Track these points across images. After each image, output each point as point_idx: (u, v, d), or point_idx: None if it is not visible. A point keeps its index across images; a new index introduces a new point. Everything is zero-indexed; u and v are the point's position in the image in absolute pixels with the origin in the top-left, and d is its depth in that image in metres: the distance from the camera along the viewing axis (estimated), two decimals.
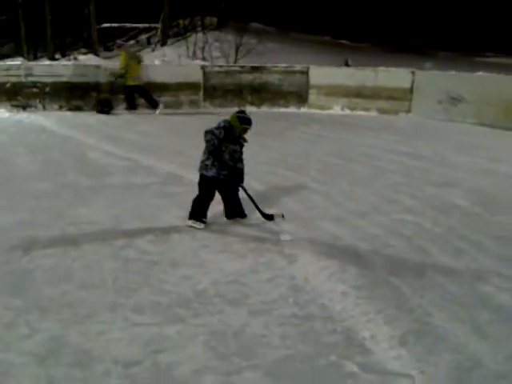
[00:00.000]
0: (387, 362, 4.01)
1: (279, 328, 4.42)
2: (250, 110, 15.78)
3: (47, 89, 15.11)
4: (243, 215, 6.77)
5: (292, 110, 16.38)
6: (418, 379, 3.80)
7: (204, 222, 6.53)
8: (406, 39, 31.42)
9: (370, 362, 4.01)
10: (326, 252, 5.88)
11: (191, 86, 16.08)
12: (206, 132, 6.36)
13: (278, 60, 19.36)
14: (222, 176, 6.43)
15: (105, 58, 24.33)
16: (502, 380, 3.85)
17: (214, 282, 5.18)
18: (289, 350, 4.14)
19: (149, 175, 8.77)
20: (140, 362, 3.95)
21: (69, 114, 14.91)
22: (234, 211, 6.74)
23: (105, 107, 15.00)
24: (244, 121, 6.55)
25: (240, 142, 6.54)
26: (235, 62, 22.73)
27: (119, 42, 17.19)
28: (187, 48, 24.77)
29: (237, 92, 16.35)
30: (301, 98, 16.49)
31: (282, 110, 16.29)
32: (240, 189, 6.64)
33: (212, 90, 16.21)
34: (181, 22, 28.81)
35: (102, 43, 27.47)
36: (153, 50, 26.13)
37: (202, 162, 6.49)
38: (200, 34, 25.92)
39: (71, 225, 6.58)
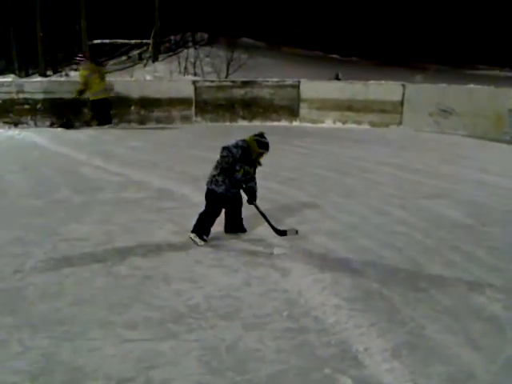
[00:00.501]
0: (381, 374, 4.01)
1: (273, 342, 4.41)
2: (241, 124, 16.01)
3: (39, 105, 15.11)
4: (243, 230, 6.82)
5: (284, 123, 16.43)
6: None
7: (204, 240, 6.46)
8: (396, 53, 31.66)
9: (364, 375, 4.01)
10: (318, 265, 5.88)
11: (183, 101, 16.12)
12: (224, 148, 6.33)
13: (269, 74, 19.46)
14: (229, 194, 6.42)
15: None
16: None
17: (206, 297, 5.17)
18: (283, 363, 4.13)
19: (141, 190, 8.77)
20: (133, 378, 3.93)
21: (60, 130, 14.90)
22: (235, 226, 6.79)
23: (67, 122, 15.02)
24: (262, 145, 6.48)
25: (255, 165, 6.50)
26: (226, 76, 22.82)
27: (78, 58, 17.08)
28: (179, 63, 24.86)
29: (228, 106, 16.40)
30: (292, 111, 16.54)
31: (274, 123, 16.34)
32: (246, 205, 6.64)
33: (204, 105, 16.26)
34: (172, 37, 28.90)
35: (94, 59, 27.46)
36: (144, 66, 26.21)
37: (213, 176, 6.44)
38: (191, 50, 26.05)
39: (63, 241, 6.56)
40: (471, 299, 5.22)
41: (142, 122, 15.80)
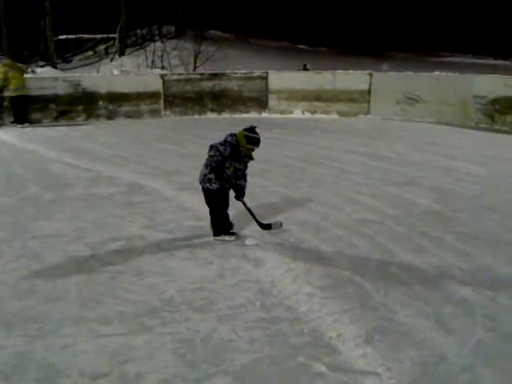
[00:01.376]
0: (354, 360, 4.06)
1: (247, 332, 4.44)
2: (210, 116, 15.98)
3: (5, 103, 14.90)
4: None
5: (253, 115, 16.44)
6: (385, 376, 3.86)
7: (234, 234, 6.41)
8: (363, 42, 31.82)
9: (338, 361, 4.06)
10: (291, 255, 5.92)
11: (151, 95, 16.03)
12: (211, 147, 6.17)
13: (237, 66, 19.47)
14: (225, 188, 6.29)
15: (63, 69, 24.12)
16: (466, 373, 3.92)
17: (180, 290, 5.17)
18: (257, 353, 4.16)
19: (111, 185, 8.72)
20: (107, 373, 3.93)
21: (28, 127, 14.73)
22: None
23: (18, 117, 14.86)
24: (251, 141, 6.19)
25: (245, 161, 6.30)
26: (194, 69, 22.74)
27: None
28: (146, 57, 24.70)
29: (197, 99, 16.36)
30: (261, 103, 16.56)
31: (243, 115, 16.34)
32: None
33: (172, 99, 16.19)
34: (138, 31, 28.67)
35: (60, 55, 27.19)
36: (111, 61, 25.99)
37: (205, 175, 6.26)
38: (158, 43, 25.87)
39: (34, 238, 6.51)
40: (441, 284, 5.30)
41: (110, 117, 15.68)
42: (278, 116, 16.19)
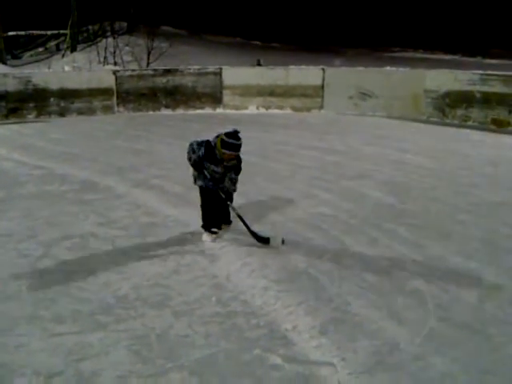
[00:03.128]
0: (309, 351, 4.12)
1: (203, 327, 4.46)
2: (165, 113, 15.88)
3: None
4: (228, 221, 6.53)
5: (207, 111, 16.39)
6: (339, 366, 3.93)
7: (213, 232, 6.27)
8: (316, 38, 32.04)
9: (293, 353, 4.11)
10: (246, 250, 5.95)
11: (104, 92, 15.82)
12: (189, 144, 6.02)
13: (190, 62, 19.41)
14: (210, 185, 6.06)
15: (13, 66, 23.66)
16: (418, 361, 4.01)
17: (135, 287, 5.15)
18: (213, 348, 4.18)
19: (63, 183, 8.60)
20: (62, 371, 3.90)
21: None
22: (227, 216, 6.49)
23: None
24: (225, 145, 5.80)
25: (225, 164, 5.94)
26: (147, 65, 22.55)
27: None
28: (98, 53, 24.40)
29: (151, 96, 16.21)
30: (215, 99, 16.51)
31: (198, 111, 16.27)
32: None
33: (125, 95, 16.01)
34: (90, 27, 28.29)
35: (9, 51, 26.65)
36: (63, 57, 25.59)
37: (192, 174, 6.22)
38: (110, 39, 25.56)
39: None
40: (394, 275, 5.40)
41: (62, 113, 15.41)
42: (233, 112, 16.17)
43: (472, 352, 4.14)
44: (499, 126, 12.98)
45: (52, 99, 15.33)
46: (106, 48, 24.41)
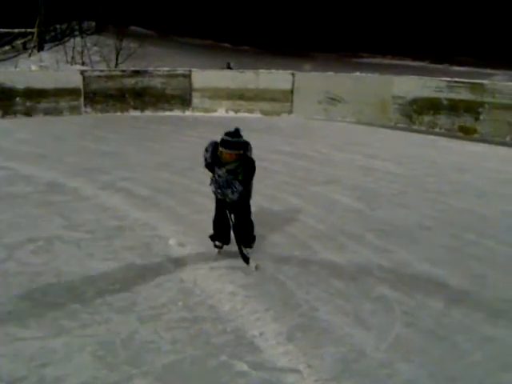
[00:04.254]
0: (276, 358, 4.09)
1: (168, 333, 4.41)
2: (133, 114, 15.75)
3: None
4: (248, 244, 5.90)
5: (176, 113, 16.30)
6: (306, 373, 3.91)
7: (215, 246, 5.95)
8: (286, 42, 32.16)
9: (260, 359, 4.08)
10: (214, 254, 5.91)
11: (71, 92, 15.62)
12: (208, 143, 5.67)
13: (160, 64, 19.28)
14: (219, 195, 5.66)
15: None
16: (385, 368, 4.01)
17: (100, 291, 5.07)
18: (178, 354, 4.13)
19: (28, 184, 8.44)
20: (25, 377, 3.83)
21: None
22: (241, 235, 5.81)
23: None
24: (221, 143, 5.46)
25: (226, 167, 5.51)
26: (116, 66, 22.36)
27: None
28: (65, 53, 24.11)
29: (119, 97, 16.07)
30: (185, 101, 16.43)
31: (167, 113, 16.18)
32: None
33: (93, 95, 15.83)
34: (58, 26, 27.96)
35: None
36: (29, 56, 25.22)
37: None
38: (78, 39, 25.32)
39: None
40: (361, 280, 5.41)
41: (28, 113, 15.18)
42: (202, 114, 16.11)
43: (438, 359, 4.15)
44: (466, 133, 13.15)
45: (18, 99, 15.08)
46: (73, 48, 24.15)
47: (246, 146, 5.63)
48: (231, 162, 5.49)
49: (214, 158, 5.56)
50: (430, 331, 4.52)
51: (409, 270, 5.70)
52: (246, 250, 5.78)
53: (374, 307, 4.88)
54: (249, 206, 5.87)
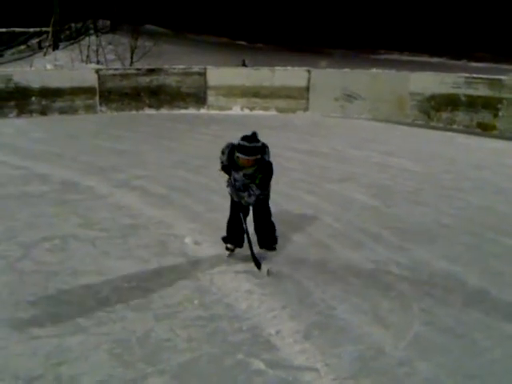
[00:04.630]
0: (293, 356, 4.06)
1: (184, 331, 4.38)
2: (148, 112, 15.75)
3: None
4: (271, 247, 5.88)
5: (191, 111, 16.29)
6: (323, 371, 3.87)
7: (227, 248, 5.81)
8: (301, 39, 32.07)
9: (277, 358, 4.05)
10: (229, 252, 5.87)
11: (86, 91, 15.65)
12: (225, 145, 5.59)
13: (175, 62, 19.24)
14: (236, 197, 5.57)
15: None
16: (403, 367, 3.97)
17: (116, 289, 5.07)
18: (195, 352, 4.10)
19: (44, 183, 8.46)
20: (41, 375, 3.82)
21: None
22: (263, 239, 5.82)
23: None
24: (238, 148, 5.33)
25: (244, 172, 5.42)
26: (131, 64, 22.40)
27: None
28: (80, 52, 24.17)
29: (134, 95, 16.08)
30: (200, 99, 16.41)
31: (182, 111, 16.17)
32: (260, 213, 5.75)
33: (108, 94, 15.85)
34: (73, 25, 28.06)
35: None
36: (44, 55, 25.33)
37: None
38: (93, 38, 25.37)
39: None
40: (379, 278, 5.36)
41: (43, 112, 15.23)
42: (217, 112, 16.09)
43: (457, 357, 4.10)
44: (484, 129, 13.03)
45: (33, 98, 15.14)
46: (88, 46, 24.20)
47: (264, 149, 5.52)
48: (249, 167, 5.38)
49: (230, 161, 5.46)
50: (449, 329, 4.47)
51: (427, 267, 5.64)
52: (266, 253, 5.77)
53: (392, 305, 4.83)
54: (268, 208, 5.78)
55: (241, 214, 5.61)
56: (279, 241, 6.00)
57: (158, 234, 6.45)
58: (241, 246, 5.80)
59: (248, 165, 5.36)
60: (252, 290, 5.06)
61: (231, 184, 5.53)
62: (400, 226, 6.79)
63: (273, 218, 5.83)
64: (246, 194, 5.45)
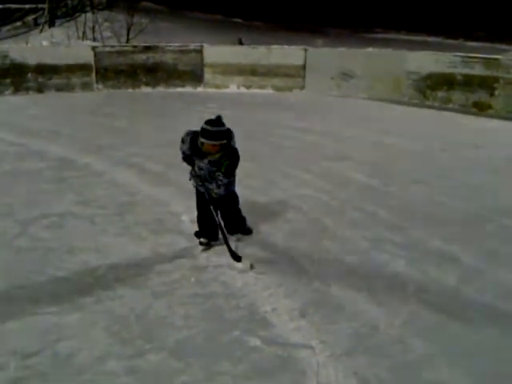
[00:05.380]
0: (289, 334, 4.11)
1: (182, 308, 4.42)
2: (145, 90, 15.70)
3: None
4: (246, 231, 5.74)
5: (188, 89, 16.21)
6: (318, 348, 3.92)
7: (201, 243, 5.53)
8: (298, 17, 31.86)
9: (273, 335, 4.09)
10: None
11: (82, 68, 15.55)
12: (184, 133, 5.33)
13: (171, 39, 19.12)
14: (202, 189, 5.31)
15: None
16: (398, 344, 4.02)
17: (113, 267, 5.09)
18: (192, 329, 4.15)
19: (41, 160, 8.46)
20: (39, 351, 3.86)
21: None
22: (235, 226, 5.64)
23: None
24: (203, 133, 5.02)
25: (209, 159, 5.13)
26: (127, 41, 22.26)
27: None
28: (76, 29, 23.99)
29: (131, 72, 15.98)
30: (196, 77, 16.33)
31: (178, 89, 16.09)
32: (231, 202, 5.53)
33: (104, 71, 15.76)
34: (69, 1, 27.81)
35: None
36: (40, 32, 25.14)
37: None
38: (89, 14, 25.17)
39: None
40: (374, 257, 5.40)
41: (40, 89, 15.15)
42: (214, 90, 16.02)
43: (452, 335, 4.15)
44: (480, 109, 13.00)
45: (29, 75, 15.06)
46: (85, 23, 24.03)
47: (230, 134, 5.19)
48: (214, 153, 5.09)
49: (193, 150, 5.17)
50: (444, 307, 4.51)
51: (422, 246, 5.67)
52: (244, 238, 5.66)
53: (387, 283, 4.87)
54: (236, 197, 5.58)
55: (211, 207, 5.31)
56: (274, 217, 6.04)
57: (155, 212, 6.47)
58: (215, 239, 5.55)
59: (213, 151, 5.06)
60: (248, 267, 5.08)
61: (195, 175, 5.26)
62: (396, 205, 6.81)
63: (269, 195, 5.77)
64: (213, 185, 5.19)
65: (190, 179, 5.35)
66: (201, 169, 5.20)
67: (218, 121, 5.09)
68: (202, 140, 5.02)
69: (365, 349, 3.95)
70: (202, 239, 5.55)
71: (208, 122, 5.06)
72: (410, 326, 4.23)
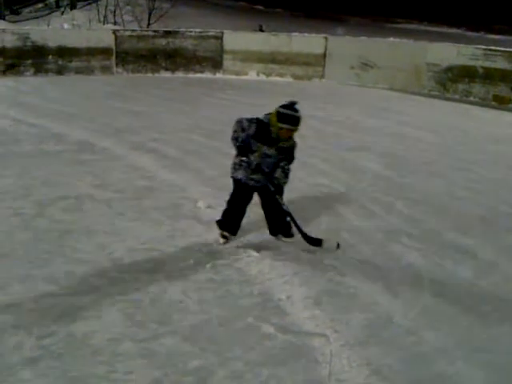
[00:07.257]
0: (302, 322, 4.11)
1: (196, 293, 4.44)
2: (164, 75, 15.71)
3: None
4: (288, 234, 5.41)
5: (207, 75, 16.22)
6: (332, 337, 3.92)
7: (223, 236, 5.33)
8: (319, 5, 31.69)
9: (286, 322, 4.10)
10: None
11: (103, 51, 15.60)
12: (236, 121, 5.08)
13: (191, 25, 19.14)
14: (252, 182, 5.12)
15: (11, 21, 23.36)
16: (412, 336, 4.01)
17: (129, 250, 5.13)
18: (206, 314, 4.17)
19: (60, 143, 8.52)
20: (54, 332, 3.88)
21: None
22: (278, 227, 5.43)
23: None
24: (283, 118, 4.89)
25: (279, 146, 5.02)
26: (148, 26, 22.28)
27: None
28: (98, 12, 24.07)
29: (150, 57, 16.01)
30: (216, 63, 16.33)
31: (198, 75, 16.11)
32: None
33: (125, 55, 15.80)
34: None
35: (8, 6, 26.27)
36: (62, 14, 25.25)
37: (234, 160, 5.21)
38: None
39: None
40: (390, 248, 5.39)
41: (60, 72, 15.23)
42: (233, 77, 16.01)
43: (465, 328, 4.14)
44: (500, 102, 12.90)
45: (50, 57, 15.14)
46: (106, 7, 24.10)
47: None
48: (289, 139, 5.02)
49: (260, 137, 4.97)
50: (458, 301, 4.50)
51: (438, 239, 5.65)
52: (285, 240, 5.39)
53: (402, 275, 4.86)
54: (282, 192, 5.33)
55: (277, 197, 5.17)
56: (291, 206, 6.00)
57: (171, 197, 6.49)
58: (235, 234, 5.39)
59: (287, 136, 4.98)
60: (263, 255, 5.10)
61: (247, 166, 5.05)
62: (413, 197, 6.79)
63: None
64: (279, 173, 5.08)
65: (237, 170, 5.13)
66: (267, 156, 5.02)
67: (295, 107, 4.99)
68: (282, 125, 4.89)
69: (378, 339, 3.95)
70: (225, 233, 5.35)
71: (288, 107, 4.95)
72: (424, 319, 4.22)
